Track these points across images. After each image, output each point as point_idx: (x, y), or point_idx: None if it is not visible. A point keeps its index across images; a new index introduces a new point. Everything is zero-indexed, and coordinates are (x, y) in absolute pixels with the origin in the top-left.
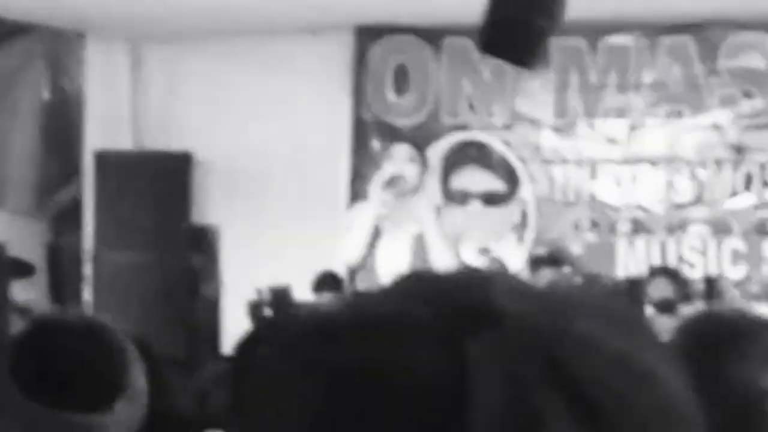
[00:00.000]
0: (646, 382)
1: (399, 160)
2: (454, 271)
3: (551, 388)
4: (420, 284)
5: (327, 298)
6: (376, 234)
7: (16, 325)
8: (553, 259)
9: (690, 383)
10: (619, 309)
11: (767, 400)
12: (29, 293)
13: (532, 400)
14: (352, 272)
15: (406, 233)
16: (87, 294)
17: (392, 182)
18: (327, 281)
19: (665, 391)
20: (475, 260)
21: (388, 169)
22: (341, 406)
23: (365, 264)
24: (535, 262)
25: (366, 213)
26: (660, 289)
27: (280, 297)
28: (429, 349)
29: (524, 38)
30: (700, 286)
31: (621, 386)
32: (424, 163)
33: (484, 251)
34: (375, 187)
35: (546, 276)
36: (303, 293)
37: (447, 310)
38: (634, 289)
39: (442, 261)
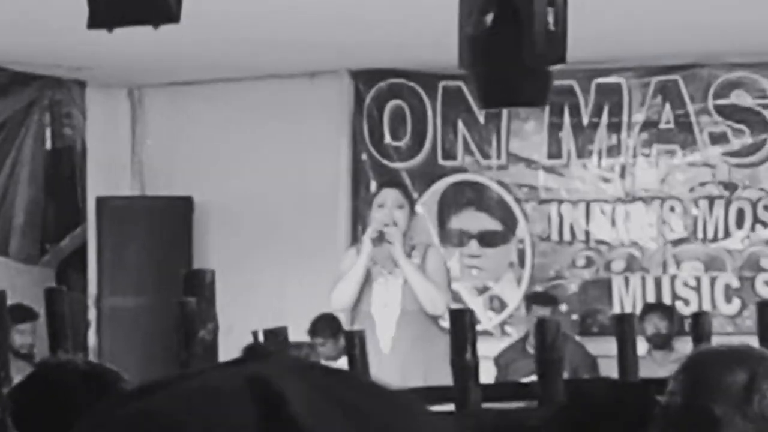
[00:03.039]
0: None
1: (388, 206)
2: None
3: None
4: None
5: (323, 341)
6: (368, 279)
7: (18, 370)
8: (548, 297)
9: None
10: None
11: None
12: (31, 338)
13: None
14: (349, 318)
15: (397, 276)
16: (90, 339)
17: (381, 237)
18: (324, 324)
19: None
20: (475, 300)
21: (377, 220)
22: None
23: (360, 308)
24: (529, 300)
25: (357, 265)
26: (654, 325)
27: (276, 339)
28: None
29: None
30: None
31: None
32: (412, 207)
33: (483, 291)
34: (366, 239)
35: (538, 314)
36: (302, 335)
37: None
38: (626, 324)
39: (433, 302)
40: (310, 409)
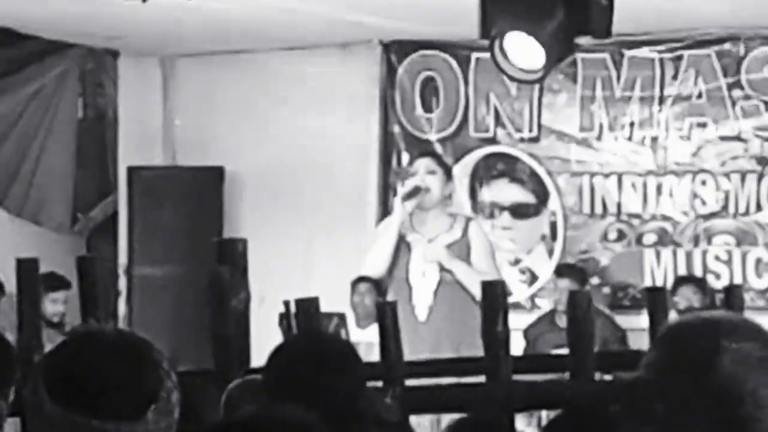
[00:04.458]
0: None
1: (420, 173)
2: None
3: None
4: None
5: (366, 288)
6: (406, 247)
7: (49, 338)
8: (573, 270)
9: None
10: None
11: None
12: (63, 307)
13: None
14: (383, 284)
15: (438, 245)
16: (121, 308)
17: (413, 193)
18: (366, 279)
19: None
20: (507, 272)
21: (409, 183)
22: None
23: (393, 276)
24: (556, 273)
25: (391, 225)
26: (686, 298)
27: (306, 309)
28: None
29: None
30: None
31: None
32: (448, 175)
33: (514, 263)
34: (397, 199)
35: (563, 287)
36: (332, 306)
37: None
38: (658, 298)
39: (478, 272)
40: None
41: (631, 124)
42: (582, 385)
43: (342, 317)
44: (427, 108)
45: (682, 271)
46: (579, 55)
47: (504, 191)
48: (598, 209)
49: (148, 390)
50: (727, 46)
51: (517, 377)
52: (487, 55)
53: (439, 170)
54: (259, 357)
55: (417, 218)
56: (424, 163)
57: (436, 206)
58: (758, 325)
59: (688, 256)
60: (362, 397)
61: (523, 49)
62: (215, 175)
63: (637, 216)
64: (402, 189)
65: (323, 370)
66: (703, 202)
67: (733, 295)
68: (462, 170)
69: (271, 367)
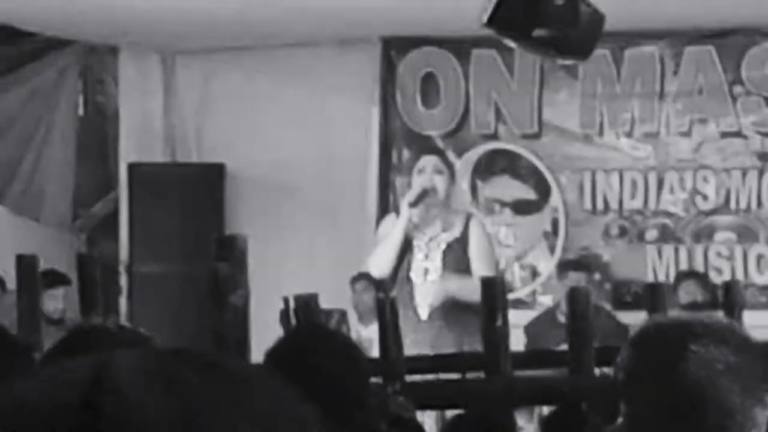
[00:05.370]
0: None
1: (428, 172)
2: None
3: None
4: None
5: (363, 286)
6: (408, 245)
7: (49, 335)
8: (582, 264)
9: None
10: None
11: None
12: (62, 303)
13: None
14: (386, 283)
15: (439, 244)
16: (121, 304)
17: (421, 197)
18: (364, 276)
19: None
20: (508, 268)
21: (417, 184)
22: None
23: (397, 275)
24: (563, 267)
25: (396, 228)
26: (690, 293)
27: (306, 305)
28: None
29: None
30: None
31: None
32: (452, 173)
33: (517, 259)
34: (404, 203)
35: (572, 280)
36: (331, 302)
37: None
38: (659, 293)
39: (479, 269)
40: (133, 383)
41: (632, 121)
42: (581, 380)
43: (343, 314)
44: (428, 104)
45: (684, 267)
46: None
47: (505, 188)
48: (600, 205)
49: None
50: (727, 41)
51: (517, 373)
52: (487, 51)
53: (445, 170)
54: (258, 354)
55: (421, 217)
56: (432, 162)
57: (439, 205)
58: (734, 328)
59: (690, 252)
60: (369, 392)
61: None
62: (216, 171)
63: (639, 212)
64: (409, 193)
65: (328, 363)
66: (705, 198)
67: (733, 291)
68: (463, 167)
69: (274, 359)
